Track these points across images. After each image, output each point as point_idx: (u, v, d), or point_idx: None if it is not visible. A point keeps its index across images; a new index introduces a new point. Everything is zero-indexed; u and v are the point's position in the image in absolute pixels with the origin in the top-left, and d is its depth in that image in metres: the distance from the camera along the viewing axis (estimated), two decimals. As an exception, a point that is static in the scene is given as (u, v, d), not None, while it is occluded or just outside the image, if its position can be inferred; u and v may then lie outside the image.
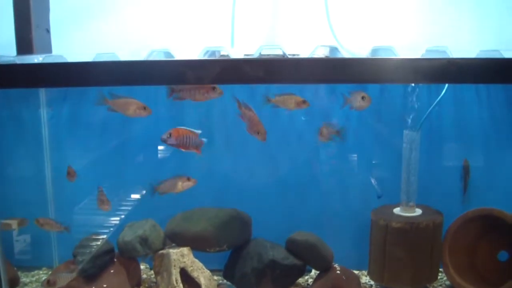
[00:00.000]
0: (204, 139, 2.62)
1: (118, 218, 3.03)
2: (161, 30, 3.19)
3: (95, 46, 3.19)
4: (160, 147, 3.22)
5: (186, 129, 2.59)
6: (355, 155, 3.12)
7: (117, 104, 2.63)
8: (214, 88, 2.52)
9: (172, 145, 2.58)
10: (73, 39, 3.25)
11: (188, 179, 2.76)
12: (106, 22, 3.23)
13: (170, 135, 2.55)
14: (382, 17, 3.11)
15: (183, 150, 2.61)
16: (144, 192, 3.21)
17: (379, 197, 3.07)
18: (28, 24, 3.01)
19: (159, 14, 3.19)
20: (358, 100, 2.63)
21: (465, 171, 3.06)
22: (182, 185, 2.75)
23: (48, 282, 2.74)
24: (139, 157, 3.25)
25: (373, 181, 3.08)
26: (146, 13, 3.20)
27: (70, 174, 2.83)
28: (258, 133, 2.63)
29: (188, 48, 2.58)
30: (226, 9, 3.13)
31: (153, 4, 3.20)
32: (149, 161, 3.24)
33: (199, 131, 2.61)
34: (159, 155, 3.24)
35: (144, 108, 2.60)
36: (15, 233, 3.18)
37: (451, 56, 2.19)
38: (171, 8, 3.19)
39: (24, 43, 3.02)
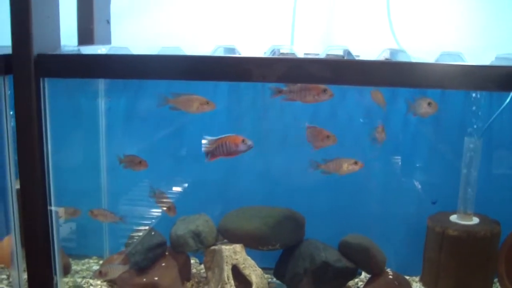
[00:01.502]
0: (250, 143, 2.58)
1: (169, 198, 3.03)
2: (221, 26, 3.18)
3: (154, 40, 3.21)
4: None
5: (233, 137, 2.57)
6: (412, 160, 3.08)
7: (180, 102, 2.64)
8: (325, 90, 2.48)
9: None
10: (130, 31, 3.27)
11: (356, 163, 2.68)
12: (165, 15, 3.25)
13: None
14: (443, 21, 3.07)
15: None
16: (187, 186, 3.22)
17: (433, 203, 3.03)
18: (90, 15, 3.04)
19: (219, 10, 3.19)
20: (423, 106, 2.59)
21: None
22: (347, 167, 2.70)
23: (100, 272, 2.77)
24: (193, 151, 3.25)
25: (418, 186, 3.05)
26: (202, 9, 3.20)
27: (142, 163, 2.83)
28: (328, 137, 2.62)
29: (251, 45, 2.58)
30: (287, 7, 3.12)
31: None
32: (202, 156, 3.24)
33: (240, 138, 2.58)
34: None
35: (207, 103, 2.60)
36: (64, 221, 3.21)
37: (523, 64, 2.15)
38: (230, 5, 3.19)
39: (85, 34, 3.05)
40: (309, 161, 2.72)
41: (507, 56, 2.26)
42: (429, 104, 2.58)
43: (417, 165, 3.10)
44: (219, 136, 2.54)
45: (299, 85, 2.48)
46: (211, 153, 2.57)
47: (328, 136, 2.62)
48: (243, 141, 2.51)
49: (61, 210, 3.07)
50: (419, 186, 3.10)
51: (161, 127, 3.21)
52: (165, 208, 2.90)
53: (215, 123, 3.10)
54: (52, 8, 2.41)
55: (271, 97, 2.57)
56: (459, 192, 2.87)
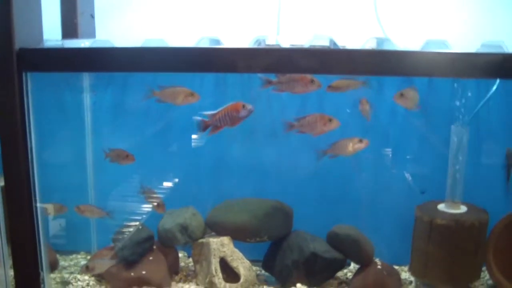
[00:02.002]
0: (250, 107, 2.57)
1: (157, 194, 3.01)
2: (206, 17, 3.17)
3: (139, 33, 3.18)
4: (194, 136, 3.21)
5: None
6: (400, 149, 3.08)
7: (166, 94, 2.63)
8: (312, 81, 2.49)
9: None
10: (116, 25, 3.25)
11: (360, 141, 2.66)
12: (152, 8, 3.22)
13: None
14: (432, 11, 3.07)
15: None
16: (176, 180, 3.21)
17: (422, 192, 3.03)
18: (74, 9, 3.03)
19: (202, 1, 3.18)
20: (396, 97, 2.59)
21: (509, 159, 3.01)
22: (353, 147, 2.68)
23: (87, 267, 2.76)
24: (181, 144, 3.24)
25: (407, 176, 3.05)
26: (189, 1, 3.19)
27: (128, 157, 2.81)
28: (330, 120, 2.61)
29: (235, 36, 2.56)
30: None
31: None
32: (188, 149, 3.23)
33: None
34: (198, 143, 3.23)
35: (192, 94, 2.59)
36: (52, 217, 3.19)
37: (506, 51, 2.15)
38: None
39: (69, 28, 3.04)
40: (316, 151, 2.74)
41: (493, 43, 2.25)
42: (401, 95, 2.58)
43: (406, 154, 3.09)
44: (218, 109, 2.53)
45: (287, 76, 2.48)
46: (213, 126, 2.55)
47: (330, 120, 2.60)
48: (243, 106, 2.50)
49: (49, 207, 3.05)
50: (408, 176, 3.10)
51: (148, 121, 3.19)
52: (154, 205, 2.88)
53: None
54: (34, 2, 2.38)
55: (261, 88, 2.56)
56: (447, 181, 2.87)
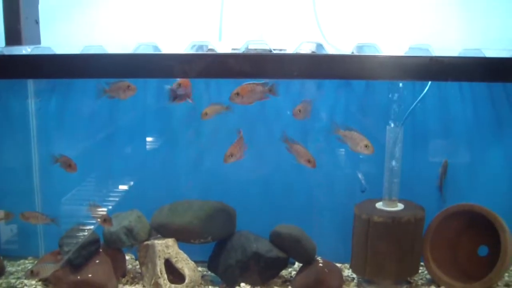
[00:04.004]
0: None
1: (104, 209, 3.04)
2: (149, 23, 3.20)
3: (83, 38, 3.20)
4: (148, 139, 3.25)
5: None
6: (340, 150, 3.15)
7: (113, 90, 2.68)
8: (128, 86, 2.66)
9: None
10: (62, 30, 3.25)
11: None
12: (94, 14, 3.24)
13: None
14: (368, 14, 3.15)
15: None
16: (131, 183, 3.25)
17: (362, 191, 3.12)
18: (17, 15, 3.02)
19: (147, 7, 3.21)
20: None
21: (443, 170, 3.11)
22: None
23: (31, 272, 2.75)
24: (127, 148, 3.27)
25: (359, 175, 3.13)
26: (134, 7, 3.21)
27: (71, 166, 2.83)
28: (309, 161, 2.73)
29: (176, 42, 2.61)
30: (215, 3, 3.16)
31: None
32: (137, 153, 3.27)
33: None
34: (147, 147, 3.26)
35: (129, 86, 2.64)
36: (0, 223, 3.19)
37: (433, 54, 2.24)
38: (159, 2, 3.21)
39: (12, 34, 3.03)
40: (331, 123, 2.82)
41: (420, 46, 2.34)
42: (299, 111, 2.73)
43: (346, 155, 3.17)
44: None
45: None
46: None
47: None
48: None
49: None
50: (349, 175, 3.18)
51: (96, 125, 3.22)
52: (100, 221, 2.88)
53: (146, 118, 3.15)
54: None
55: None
56: (384, 180, 2.96)
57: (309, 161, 2.73)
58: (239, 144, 2.73)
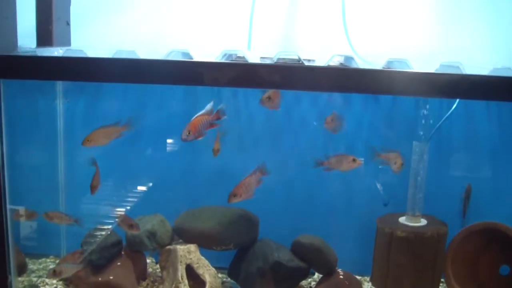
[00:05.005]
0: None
1: (132, 221, 3.06)
2: (180, 29, 3.22)
3: (113, 41, 3.23)
4: (169, 141, 3.26)
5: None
6: (365, 161, 3.15)
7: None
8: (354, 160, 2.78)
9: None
10: (92, 33, 3.28)
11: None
12: (125, 18, 3.27)
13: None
14: (398, 27, 3.14)
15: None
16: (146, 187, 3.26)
17: (385, 204, 3.11)
18: (49, 16, 3.04)
19: (180, 13, 3.23)
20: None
21: (466, 195, 3.10)
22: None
23: (54, 272, 2.78)
24: (150, 151, 3.28)
25: (379, 187, 3.12)
26: (166, 12, 3.23)
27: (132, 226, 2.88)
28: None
29: (206, 49, 2.62)
30: (245, 12, 3.17)
31: (174, 3, 3.24)
32: (159, 156, 3.28)
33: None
34: (168, 150, 3.28)
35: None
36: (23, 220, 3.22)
37: (464, 72, 2.23)
38: (190, 8, 3.23)
39: (44, 35, 3.04)
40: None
41: (452, 64, 2.33)
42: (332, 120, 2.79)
43: (370, 167, 3.16)
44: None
45: None
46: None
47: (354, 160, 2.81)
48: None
49: (21, 210, 3.08)
50: (372, 187, 3.17)
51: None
52: (127, 227, 2.89)
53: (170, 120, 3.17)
54: (9, 9, 2.42)
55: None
56: (408, 194, 2.95)
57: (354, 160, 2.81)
58: (248, 182, 2.71)
